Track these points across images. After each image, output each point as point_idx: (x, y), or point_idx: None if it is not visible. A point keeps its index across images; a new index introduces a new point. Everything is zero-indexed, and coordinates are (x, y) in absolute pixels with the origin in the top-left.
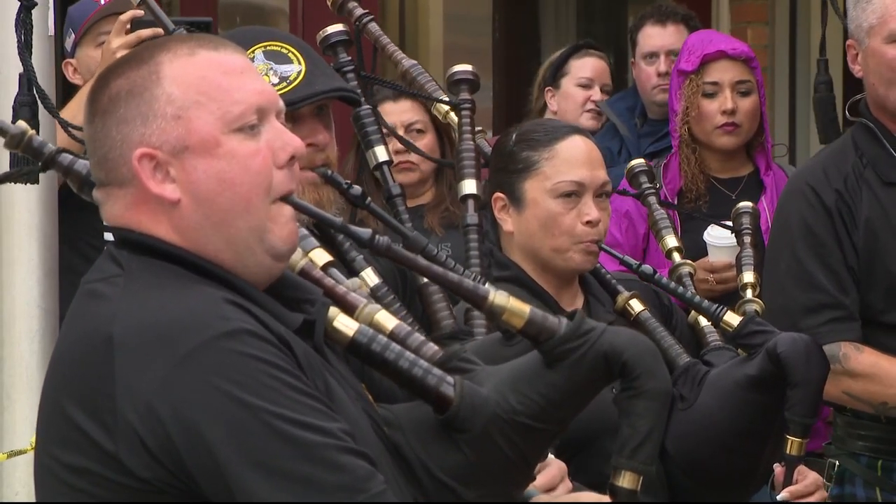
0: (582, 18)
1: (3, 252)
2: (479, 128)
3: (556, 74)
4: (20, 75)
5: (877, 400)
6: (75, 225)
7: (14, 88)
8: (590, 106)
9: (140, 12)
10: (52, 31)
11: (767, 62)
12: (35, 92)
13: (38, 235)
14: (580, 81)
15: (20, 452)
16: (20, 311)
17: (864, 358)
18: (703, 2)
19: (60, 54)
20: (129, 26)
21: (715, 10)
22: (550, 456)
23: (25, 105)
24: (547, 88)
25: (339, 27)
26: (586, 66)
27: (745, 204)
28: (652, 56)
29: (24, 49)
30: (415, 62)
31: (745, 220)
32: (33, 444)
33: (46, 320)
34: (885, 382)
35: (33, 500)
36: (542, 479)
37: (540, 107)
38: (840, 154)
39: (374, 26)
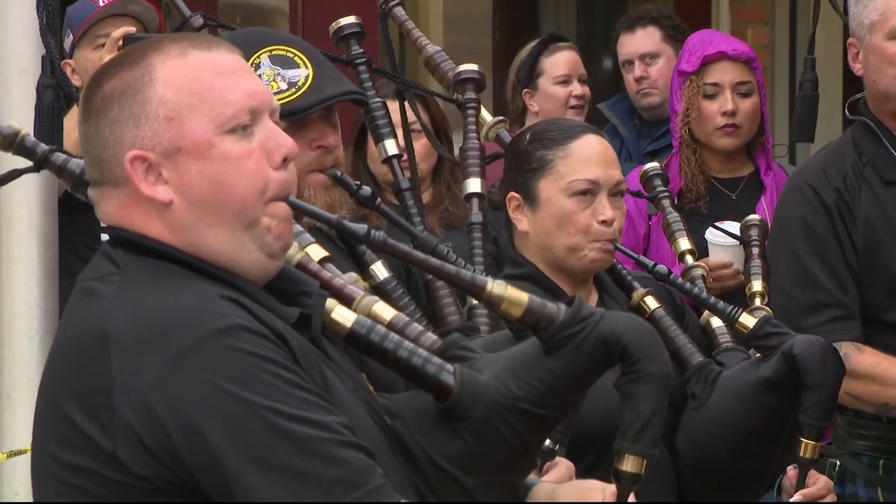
0: (582, 18)
1: (3, 252)
2: (501, 117)
3: (531, 75)
4: (43, 57)
5: (878, 400)
6: (74, 227)
7: (14, 88)
8: (573, 102)
9: (132, 28)
10: None
11: (767, 62)
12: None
13: (38, 235)
14: (557, 79)
15: (20, 452)
16: (20, 311)
17: (864, 358)
18: (703, 2)
19: (60, 55)
20: (121, 43)
21: (715, 10)
22: (559, 456)
23: (49, 87)
24: (525, 91)
25: (351, 19)
26: (559, 63)
27: (754, 217)
28: (627, 64)
29: (48, 31)
30: (439, 48)
31: (754, 233)
32: None
33: (46, 320)
34: (886, 382)
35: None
36: (550, 478)
37: (518, 108)
38: (839, 152)
39: (399, 10)
